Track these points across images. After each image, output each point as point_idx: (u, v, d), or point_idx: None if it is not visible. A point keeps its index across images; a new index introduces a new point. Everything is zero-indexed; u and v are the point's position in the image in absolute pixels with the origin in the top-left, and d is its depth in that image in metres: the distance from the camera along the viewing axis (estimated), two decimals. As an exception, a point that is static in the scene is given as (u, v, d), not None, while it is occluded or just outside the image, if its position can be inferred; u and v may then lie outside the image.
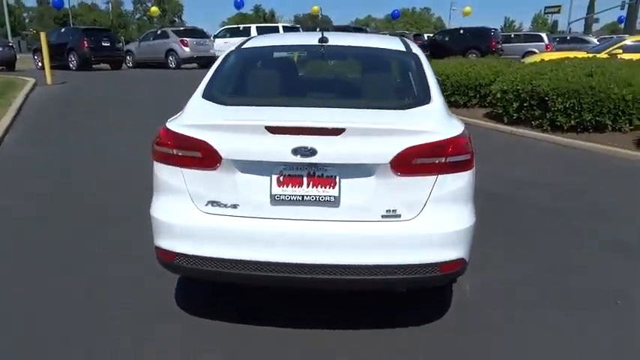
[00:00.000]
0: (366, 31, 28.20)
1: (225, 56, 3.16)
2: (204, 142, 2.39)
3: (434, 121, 2.49)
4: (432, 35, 26.88)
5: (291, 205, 2.40)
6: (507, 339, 2.74)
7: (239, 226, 2.44)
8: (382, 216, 2.40)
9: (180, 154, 2.46)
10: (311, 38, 3.24)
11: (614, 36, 27.44)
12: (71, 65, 20.44)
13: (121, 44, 23.60)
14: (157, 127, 2.62)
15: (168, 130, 2.54)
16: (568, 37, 29.51)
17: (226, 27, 26.49)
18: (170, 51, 21.77)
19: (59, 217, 4.41)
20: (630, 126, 7.68)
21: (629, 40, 13.70)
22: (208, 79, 2.93)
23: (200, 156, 2.42)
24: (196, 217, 2.48)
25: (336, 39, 3.20)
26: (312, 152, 2.31)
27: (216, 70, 3.01)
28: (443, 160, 2.37)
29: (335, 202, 2.38)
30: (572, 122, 7.77)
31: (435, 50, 22.25)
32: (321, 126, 2.32)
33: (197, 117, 2.55)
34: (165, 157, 2.52)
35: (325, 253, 2.38)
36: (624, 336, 2.77)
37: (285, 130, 2.32)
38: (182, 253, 2.49)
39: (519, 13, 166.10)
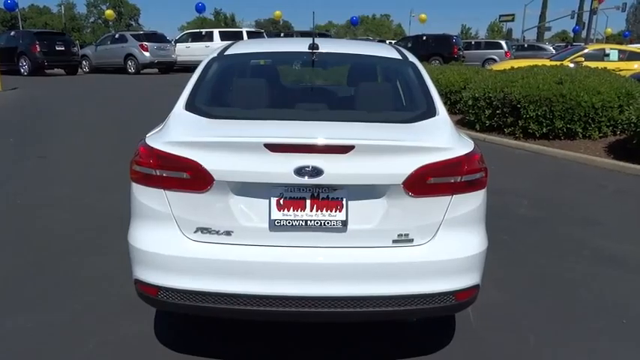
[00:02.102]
0: (330, 37, 28.21)
1: (208, 63, 2.86)
2: (193, 161, 2.10)
3: (446, 137, 2.29)
4: (394, 42, 27.13)
5: (293, 231, 2.14)
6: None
7: (234, 256, 2.15)
8: (393, 241, 2.18)
9: (164, 175, 2.16)
10: (299, 45, 2.99)
11: (569, 44, 28.47)
12: (22, 70, 19.43)
13: (76, 48, 22.59)
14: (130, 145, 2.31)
15: (149, 147, 2.23)
16: (526, 45, 30.42)
17: (188, 31, 25.83)
18: (129, 56, 21.00)
19: None
20: (600, 133, 7.80)
21: (589, 49, 14.14)
22: (190, 88, 2.63)
23: (188, 177, 2.12)
24: (184, 246, 2.18)
25: (327, 46, 2.96)
26: (318, 172, 2.06)
27: (198, 79, 2.71)
28: (458, 179, 2.18)
29: (342, 227, 2.13)
30: (544, 130, 7.82)
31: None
32: (328, 143, 2.08)
33: (183, 132, 2.25)
34: (146, 179, 2.21)
35: (332, 283, 2.13)
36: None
37: (287, 148, 2.07)
38: (167, 287, 2.18)
39: (475, 20, 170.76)
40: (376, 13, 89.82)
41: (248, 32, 22.05)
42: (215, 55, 2.98)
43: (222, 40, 21.81)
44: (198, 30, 24.99)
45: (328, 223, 2.13)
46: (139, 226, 2.29)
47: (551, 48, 27.76)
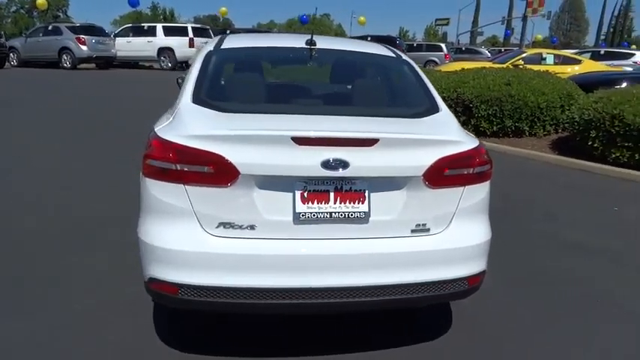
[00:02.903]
0: None
1: (206, 57, 2.81)
2: (218, 155, 2.08)
3: (457, 131, 2.41)
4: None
5: (318, 224, 2.18)
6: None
7: (258, 250, 2.16)
8: (412, 231, 2.27)
9: (185, 169, 2.13)
10: (295, 40, 3.02)
11: (503, 48, 30.04)
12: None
13: (3, 39, 21.07)
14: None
15: (165, 141, 2.18)
16: (463, 48, 31.83)
17: (128, 25, 24.77)
18: (64, 49, 19.82)
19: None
20: (544, 131, 8.36)
21: (528, 53, 15.08)
22: (194, 82, 2.59)
23: (212, 171, 2.10)
24: (206, 242, 2.16)
25: (323, 42, 3.00)
26: (344, 165, 2.11)
27: (200, 73, 2.66)
28: (470, 170, 2.31)
29: (364, 218, 2.20)
30: (495, 128, 8.27)
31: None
32: (355, 136, 2.13)
33: (202, 126, 2.21)
34: (164, 174, 2.16)
35: (356, 274, 2.19)
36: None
37: (314, 141, 2.10)
38: (189, 284, 2.14)
39: (412, 23, 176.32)
40: (317, 13, 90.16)
41: (193, 28, 21.47)
42: (211, 48, 2.94)
43: (165, 35, 21.16)
44: (140, 24, 24.06)
45: (352, 215, 2.18)
46: (154, 222, 2.24)
47: (486, 52, 29.21)
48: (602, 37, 69.87)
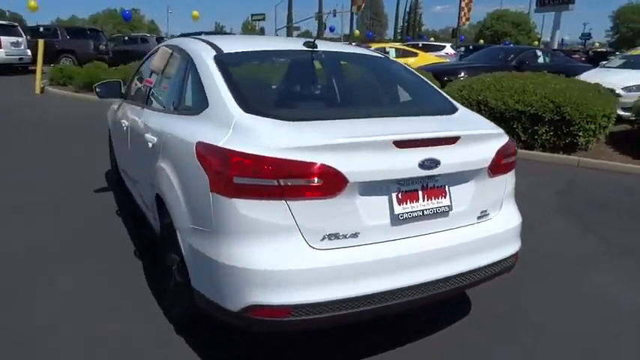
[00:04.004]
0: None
1: (219, 63, 2.61)
2: (327, 165, 2.02)
3: (493, 124, 2.69)
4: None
5: (412, 222, 2.26)
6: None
7: (364, 257, 2.15)
8: (477, 217, 2.49)
9: (288, 183, 2.01)
10: (292, 43, 2.99)
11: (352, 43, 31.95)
12: None
13: None
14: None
15: (254, 156, 2.02)
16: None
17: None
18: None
19: None
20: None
21: (373, 47, 16.40)
22: (227, 90, 2.40)
23: (320, 183, 2.03)
24: (314, 257, 2.08)
25: (323, 46, 3.02)
26: (436, 163, 2.23)
27: (227, 81, 2.47)
28: (513, 158, 2.61)
29: (447, 211, 2.35)
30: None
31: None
32: (445, 135, 2.27)
33: (294, 137, 2.10)
34: (258, 191, 2.02)
35: (447, 265, 2.33)
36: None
37: (413, 143, 2.18)
38: (300, 305, 2.05)
39: (227, 19, 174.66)
40: (125, 7, 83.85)
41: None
42: (214, 53, 2.73)
43: None
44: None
45: (438, 210, 2.32)
46: (245, 245, 2.06)
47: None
48: (399, 31, 79.42)
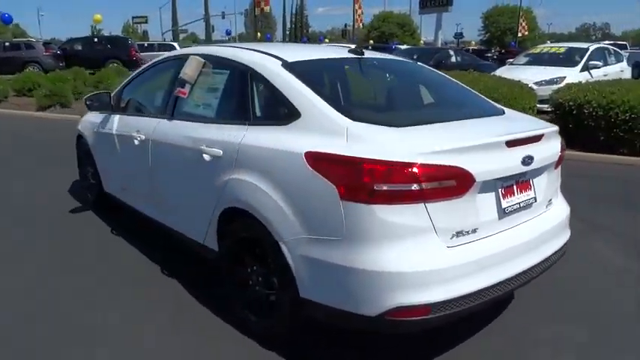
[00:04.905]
0: None
1: (297, 72, 2.61)
2: (459, 167, 2.16)
3: (542, 121, 2.98)
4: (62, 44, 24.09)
5: (513, 214, 2.46)
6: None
7: (485, 250, 2.30)
8: (546, 206, 2.76)
9: (428, 187, 2.10)
10: (339, 51, 3.07)
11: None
12: None
13: None
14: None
15: (394, 162, 2.09)
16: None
17: None
18: None
19: None
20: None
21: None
22: (324, 100, 2.43)
23: (454, 184, 2.15)
24: (449, 255, 2.20)
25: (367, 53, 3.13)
26: (532, 159, 2.45)
27: (317, 91, 2.50)
28: (564, 152, 2.93)
29: (534, 202, 2.59)
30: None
31: (70, 60, 20.37)
32: (538, 133, 2.51)
33: (425, 142, 2.20)
34: (399, 196, 2.09)
35: (542, 250, 2.57)
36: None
37: (519, 142, 2.39)
38: (439, 302, 2.14)
39: (107, 21, 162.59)
40: (-18, 9, 74.57)
41: None
42: (280, 62, 2.71)
43: None
44: None
45: (529, 201, 2.55)
46: (385, 248, 2.12)
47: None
48: (287, 33, 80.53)
